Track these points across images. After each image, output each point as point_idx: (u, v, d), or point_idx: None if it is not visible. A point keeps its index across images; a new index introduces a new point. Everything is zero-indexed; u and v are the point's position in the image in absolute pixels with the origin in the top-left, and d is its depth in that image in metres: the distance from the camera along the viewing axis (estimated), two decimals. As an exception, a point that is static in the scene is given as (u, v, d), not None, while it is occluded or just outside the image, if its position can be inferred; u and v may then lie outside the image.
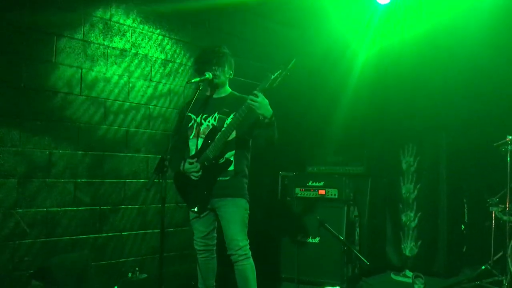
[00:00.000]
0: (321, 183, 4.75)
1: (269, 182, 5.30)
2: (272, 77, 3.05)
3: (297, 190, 4.82)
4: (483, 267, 4.28)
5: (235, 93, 3.40)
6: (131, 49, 4.27)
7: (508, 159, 4.09)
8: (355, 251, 4.40)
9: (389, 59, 5.35)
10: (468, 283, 4.30)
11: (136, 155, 4.31)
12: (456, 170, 5.08)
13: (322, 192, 4.71)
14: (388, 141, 5.37)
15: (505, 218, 4.14)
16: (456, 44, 4.86)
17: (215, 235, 3.41)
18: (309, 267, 4.49)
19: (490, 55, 4.68)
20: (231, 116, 3.21)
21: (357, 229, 4.69)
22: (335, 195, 4.64)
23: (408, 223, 5.11)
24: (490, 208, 4.30)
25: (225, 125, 3.19)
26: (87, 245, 3.93)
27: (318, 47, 5.37)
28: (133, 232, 4.25)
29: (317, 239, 4.54)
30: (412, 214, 5.09)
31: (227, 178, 3.23)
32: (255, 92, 3.03)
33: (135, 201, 4.28)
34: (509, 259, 3.96)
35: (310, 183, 4.79)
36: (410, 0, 5.12)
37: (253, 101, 3.00)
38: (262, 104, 3.01)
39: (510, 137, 4.11)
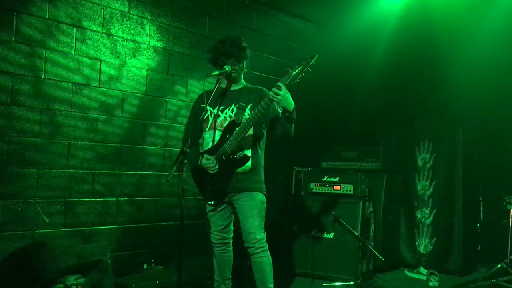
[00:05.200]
0: (337, 179, 4.74)
1: (282, 177, 5.30)
2: (293, 73, 2.94)
3: (312, 185, 4.82)
4: (499, 266, 4.24)
5: (249, 85, 3.36)
6: (149, 41, 4.29)
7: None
8: (370, 247, 4.38)
9: (405, 54, 5.31)
10: (484, 281, 4.25)
11: (153, 147, 4.33)
12: (472, 167, 5.03)
13: (337, 187, 4.71)
14: (403, 137, 5.32)
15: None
16: (475, 36, 4.79)
17: (232, 228, 3.40)
18: (323, 263, 4.48)
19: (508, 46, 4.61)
20: (248, 107, 3.20)
21: (372, 225, 4.67)
22: (350, 190, 4.63)
23: (423, 220, 5.07)
24: (508, 206, 4.26)
25: (243, 119, 3.18)
26: (104, 236, 3.97)
27: (335, 42, 5.34)
28: (148, 224, 4.29)
29: (331, 235, 4.53)
30: (427, 211, 5.05)
31: (245, 172, 3.21)
32: (278, 84, 2.94)
33: (151, 193, 4.31)
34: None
35: (325, 178, 4.79)
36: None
37: (276, 94, 2.92)
38: (284, 97, 2.93)
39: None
